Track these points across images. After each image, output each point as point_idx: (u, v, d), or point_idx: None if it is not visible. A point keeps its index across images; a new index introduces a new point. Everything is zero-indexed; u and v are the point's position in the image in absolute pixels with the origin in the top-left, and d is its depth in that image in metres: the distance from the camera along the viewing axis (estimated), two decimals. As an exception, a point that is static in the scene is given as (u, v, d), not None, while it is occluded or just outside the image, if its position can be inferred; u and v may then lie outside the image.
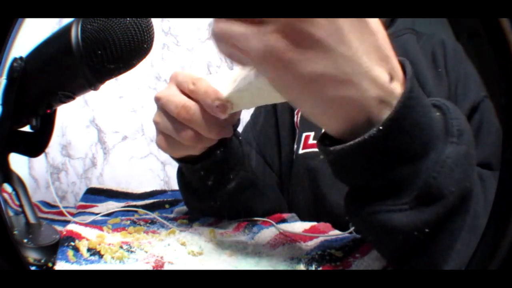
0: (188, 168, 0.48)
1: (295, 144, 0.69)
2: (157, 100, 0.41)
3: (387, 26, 0.71)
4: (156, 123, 0.42)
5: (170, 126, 0.41)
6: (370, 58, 0.28)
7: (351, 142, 0.29)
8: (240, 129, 0.64)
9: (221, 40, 0.29)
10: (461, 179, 0.31)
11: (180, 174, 0.53)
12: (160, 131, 0.43)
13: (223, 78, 0.38)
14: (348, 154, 0.30)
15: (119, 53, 0.39)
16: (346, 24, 0.27)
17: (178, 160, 0.48)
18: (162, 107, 0.41)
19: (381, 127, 0.28)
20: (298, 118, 0.69)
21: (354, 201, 0.33)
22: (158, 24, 0.90)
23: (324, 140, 0.33)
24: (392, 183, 0.31)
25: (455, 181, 0.30)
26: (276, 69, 0.27)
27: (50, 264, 0.36)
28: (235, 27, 0.28)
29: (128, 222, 0.53)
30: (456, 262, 0.33)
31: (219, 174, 0.48)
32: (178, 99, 0.39)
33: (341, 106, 0.29)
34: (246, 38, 0.27)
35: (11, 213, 0.44)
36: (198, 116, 0.39)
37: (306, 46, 0.26)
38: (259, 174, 0.64)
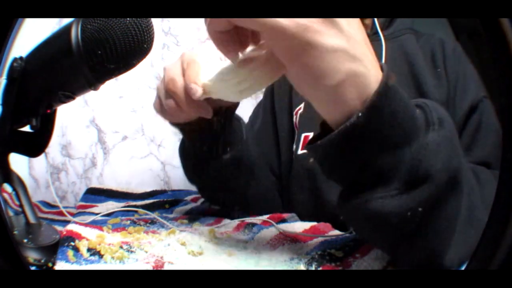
0: (183, 133, 0.55)
1: (294, 144, 0.69)
2: (163, 69, 0.48)
3: (386, 26, 0.71)
4: (157, 88, 0.49)
5: (162, 94, 0.47)
6: (368, 46, 0.32)
7: (335, 131, 0.32)
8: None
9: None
10: (446, 159, 0.32)
11: (181, 142, 0.59)
12: (157, 95, 0.49)
13: (213, 67, 0.41)
14: (334, 144, 0.32)
15: (119, 53, 0.39)
16: (348, 19, 0.31)
17: (172, 124, 0.53)
18: (163, 76, 0.47)
19: (360, 114, 0.30)
20: (297, 119, 0.69)
21: (348, 197, 0.34)
22: (158, 24, 0.90)
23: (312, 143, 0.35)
24: (379, 172, 0.32)
25: (440, 160, 0.32)
26: (305, 38, 0.29)
27: (50, 264, 0.36)
28: None
29: (128, 222, 0.53)
30: (455, 254, 0.34)
31: (215, 143, 0.53)
32: (172, 73, 0.45)
33: (353, 81, 0.31)
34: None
35: (11, 213, 0.44)
36: (180, 91, 0.44)
37: (329, 24, 0.30)
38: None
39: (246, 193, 0.60)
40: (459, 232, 0.34)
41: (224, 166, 0.54)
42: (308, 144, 0.35)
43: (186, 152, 0.58)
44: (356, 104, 0.31)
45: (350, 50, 0.30)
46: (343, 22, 0.30)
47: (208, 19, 0.32)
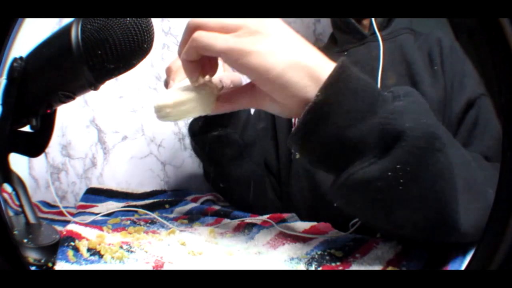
0: None
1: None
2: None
3: (384, 27, 0.71)
4: None
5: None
6: (299, 39, 0.39)
7: (302, 115, 0.36)
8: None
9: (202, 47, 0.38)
10: (416, 117, 0.34)
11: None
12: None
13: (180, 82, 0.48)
14: (305, 128, 0.36)
15: (119, 53, 0.38)
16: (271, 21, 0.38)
17: None
18: None
19: (318, 93, 0.35)
20: (296, 119, 0.69)
21: (335, 180, 0.37)
22: (158, 24, 0.90)
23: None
24: (353, 146, 0.35)
25: (410, 119, 0.33)
26: (244, 53, 0.37)
27: (50, 264, 0.36)
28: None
29: (128, 222, 0.53)
30: (467, 219, 0.34)
31: (209, 122, 0.60)
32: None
33: (295, 67, 0.36)
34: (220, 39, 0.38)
35: (11, 213, 0.44)
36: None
37: (258, 34, 0.37)
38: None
39: (230, 173, 0.65)
40: (464, 200, 0.34)
41: (208, 142, 0.61)
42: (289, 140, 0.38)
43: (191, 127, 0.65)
44: (308, 85, 0.36)
45: (284, 46, 0.37)
46: (271, 29, 0.37)
47: (184, 50, 0.39)
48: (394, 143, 0.33)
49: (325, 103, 0.35)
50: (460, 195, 0.34)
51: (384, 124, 0.34)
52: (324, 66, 0.37)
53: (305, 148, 0.38)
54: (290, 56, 0.37)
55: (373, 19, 0.70)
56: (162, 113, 0.43)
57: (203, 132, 0.61)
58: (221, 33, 0.38)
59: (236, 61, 0.37)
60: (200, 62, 0.41)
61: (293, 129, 0.37)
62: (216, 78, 0.45)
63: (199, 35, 0.38)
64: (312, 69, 0.36)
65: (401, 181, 0.33)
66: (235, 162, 0.65)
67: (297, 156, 0.39)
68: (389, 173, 0.33)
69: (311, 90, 0.36)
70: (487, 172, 0.40)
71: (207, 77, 0.44)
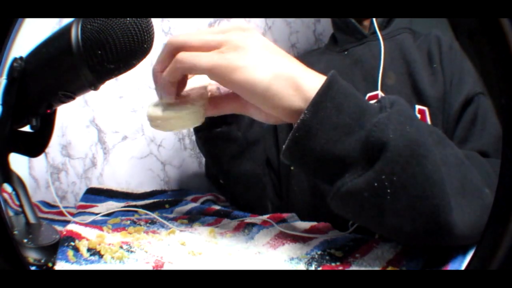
0: None
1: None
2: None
3: (384, 26, 0.72)
4: None
5: None
6: (282, 52, 0.40)
7: (292, 131, 0.37)
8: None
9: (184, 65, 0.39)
10: (399, 127, 0.34)
11: None
12: None
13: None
14: (294, 144, 0.37)
15: (119, 53, 0.38)
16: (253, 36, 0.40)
17: None
18: None
19: (306, 111, 0.36)
20: None
21: (329, 189, 0.37)
22: (158, 24, 0.90)
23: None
24: (342, 159, 0.35)
25: (392, 129, 0.34)
26: (229, 70, 0.38)
27: (50, 264, 0.36)
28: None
29: (128, 222, 0.53)
30: (461, 218, 0.34)
31: (214, 118, 0.58)
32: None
33: (281, 79, 0.38)
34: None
35: (11, 213, 0.44)
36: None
37: (240, 49, 0.38)
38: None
39: (229, 170, 0.65)
40: (457, 203, 0.34)
41: (212, 137, 0.62)
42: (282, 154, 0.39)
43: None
44: (293, 95, 0.37)
45: (268, 60, 0.38)
46: (253, 44, 0.38)
47: (168, 72, 0.40)
48: (379, 154, 0.34)
49: (312, 121, 0.36)
50: (453, 197, 0.34)
51: (369, 137, 0.34)
52: (305, 76, 0.38)
53: (296, 163, 0.39)
54: (273, 68, 0.38)
55: (374, 19, 0.70)
56: (154, 123, 0.44)
57: (207, 128, 0.62)
58: (203, 50, 0.39)
59: (223, 78, 0.38)
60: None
61: (283, 146, 0.38)
62: (202, 86, 0.46)
63: (182, 56, 0.39)
64: (295, 79, 0.38)
65: (388, 191, 0.33)
66: (236, 159, 0.65)
67: (292, 168, 0.41)
68: (375, 184, 0.33)
69: (296, 100, 0.37)
70: (483, 170, 0.40)
71: (195, 90, 0.45)
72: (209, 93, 0.47)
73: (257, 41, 0.39)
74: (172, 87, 0.42)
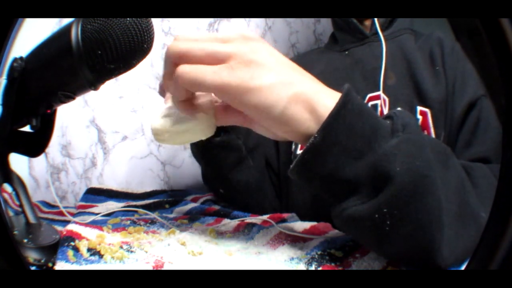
0: None
1: (293, 144, 0.70)
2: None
3: (385, 27, 0.72)
4: None
5: None
6: (296, 68, 0.37)
7: (300, 154, 0.35)
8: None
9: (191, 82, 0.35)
10: (407, 160, 0.33)
11: None
12: None
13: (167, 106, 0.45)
14: (302, 164, 0.36)
15: (119, 53, 0.38)
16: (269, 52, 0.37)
17: None
18: None
19: (316, 135, 0.34)
20: None
21: (332, 208, 0.37)
22: (158, 24, 0.90)
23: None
24: (348, 183, 0.35)
25: (400, 162, 0.33)
26: (241, 89, 0.34)
27: (50, 264, 0.36)
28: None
29: (128, 222, 0.53)
30: (450, 251, 0.34)
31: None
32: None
33: (296, 101, 0.35)
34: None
35: (11, 213, 0.44)
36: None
37: (254, 66, 0.35)
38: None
39: (229, 178, 0.64)
40: (452, 229, 0.34)
41: (212, 147, 0.61)
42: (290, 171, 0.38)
43: None
44: (309, 119, 0.35)
45: (283, 79, 0.35)
46: (266, 58, 0.35)
47: (173, 91, 0.38)
48: (383, 185, 0.33)
49: (323, 144, 0.34)
50: (448, 226, 0.34)
51: (377, 165, 0.33)
52: (320, 96, 0.35)
53: (303, 181, 0.38)
54: (289, 90, 0.35)
55: (376, 19, 0.70)
56: (160, 136, 0.41)
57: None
58: (208, 63, 0.35)
59: (234, 99, 0.35)
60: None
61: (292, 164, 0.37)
62: (208, 98, 0.42)
63: (183, 71, 0.35)
64: (310, 101, 0.35)
65: (388, 222, 0.33)
66: (236, 168, 0.64)
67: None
68: (376, 216, 0.33)
69: (311, 125, 0.35)
70: (489, 182, 0.40)
71: (203, 102, 0.41)
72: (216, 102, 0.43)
73: (267, 54, 0.36)
74: (186, 105, 0.39)
